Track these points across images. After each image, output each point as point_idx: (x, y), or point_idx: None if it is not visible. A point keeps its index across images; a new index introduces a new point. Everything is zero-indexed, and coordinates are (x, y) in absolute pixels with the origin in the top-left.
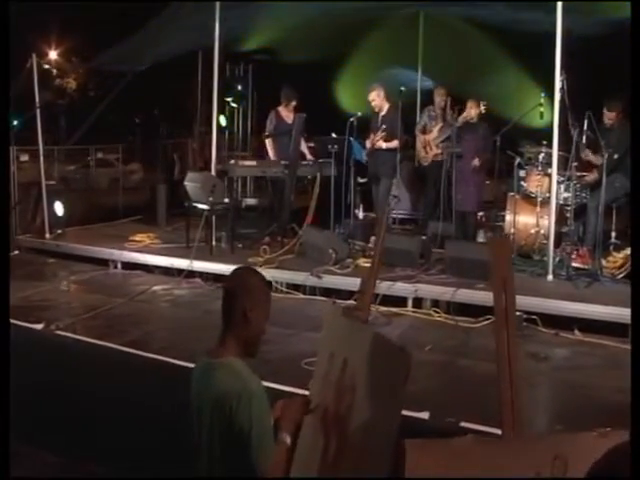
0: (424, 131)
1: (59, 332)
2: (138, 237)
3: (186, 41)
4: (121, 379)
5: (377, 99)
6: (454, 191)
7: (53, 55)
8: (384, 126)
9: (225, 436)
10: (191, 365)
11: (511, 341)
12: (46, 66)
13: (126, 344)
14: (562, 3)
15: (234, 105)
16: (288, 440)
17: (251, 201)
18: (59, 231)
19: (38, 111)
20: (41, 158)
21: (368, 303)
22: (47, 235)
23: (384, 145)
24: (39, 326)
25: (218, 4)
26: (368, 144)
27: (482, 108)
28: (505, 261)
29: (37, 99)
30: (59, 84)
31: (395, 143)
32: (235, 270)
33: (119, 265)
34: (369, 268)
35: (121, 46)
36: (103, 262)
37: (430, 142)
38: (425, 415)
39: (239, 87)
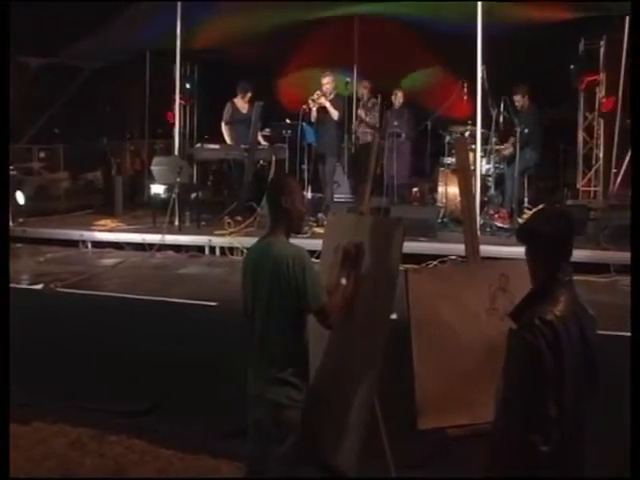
0: None
1: (60, 289)
2: (102, 222)
3: (135, 42)
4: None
5: (330, 84)
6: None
7: None
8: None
9: (284, 291)
10: (189, 301)
11: (471, 207)
12: None
13: (126, 292)
14: (482, 4)
15: (182, 102)
16: (344, 281)
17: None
18: (21, 219)
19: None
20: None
21: (367, 204)
22: (11, 223)
23: (327, 104)
24: (38, 286)
25: (179, 3)
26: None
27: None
28: (464, 156)
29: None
30: None
31: (336, 113)
32: (272, 178)
33: (89, 245)
34: (367, 175)
35: (78, 43)
36: (71, 244)
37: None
38: (394, 316)
39: (187, 85)
